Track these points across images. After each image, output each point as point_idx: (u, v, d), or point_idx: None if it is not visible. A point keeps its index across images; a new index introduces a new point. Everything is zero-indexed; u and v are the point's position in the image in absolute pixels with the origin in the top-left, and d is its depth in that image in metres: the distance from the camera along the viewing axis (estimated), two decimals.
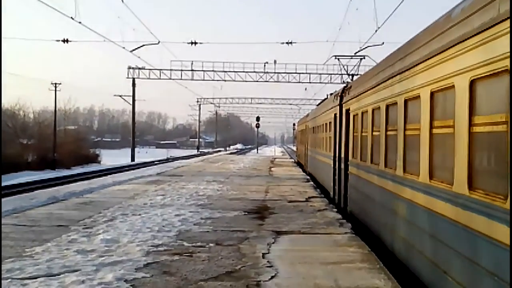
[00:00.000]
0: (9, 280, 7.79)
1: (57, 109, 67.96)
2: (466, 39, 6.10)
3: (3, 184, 33.64)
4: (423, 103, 7.86)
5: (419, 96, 8.09)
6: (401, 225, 9.19)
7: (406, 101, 9.01)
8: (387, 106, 10.47)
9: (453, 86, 6.55)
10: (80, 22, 30.87)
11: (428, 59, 7.63)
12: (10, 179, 40.18)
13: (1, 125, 48.33)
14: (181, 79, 66.90)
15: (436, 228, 7.18)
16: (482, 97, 5.83)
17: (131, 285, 7.69)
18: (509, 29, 4.96)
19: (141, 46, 51.11)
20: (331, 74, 63.27)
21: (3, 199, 21.53)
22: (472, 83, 5.97)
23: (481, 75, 5.71)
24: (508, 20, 4.98)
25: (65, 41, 46.83)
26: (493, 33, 5.37)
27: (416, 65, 8.27)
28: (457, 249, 6.33)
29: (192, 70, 65.61)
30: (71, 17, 30.16)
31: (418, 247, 8.03)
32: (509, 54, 4.94)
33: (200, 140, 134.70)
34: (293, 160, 59.07)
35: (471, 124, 6.00)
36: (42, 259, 9.02)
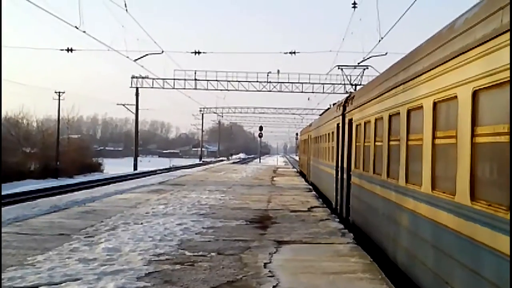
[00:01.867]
0: None
1: (60, 117, 68.05)
2: (468, 50, 6.11)
3: (5, 192, 33.68)
4: (426, 113, 7.86)
5: (422, 106, 8.09)
6: (403, 235, 9.16)
7: (409, 111, 9.01)
8: (390, 116, 10.47)
9: (455, 97, 6.56)
10: (84, 32, 30.95)
11: (431, 69, 7.63)
12: (13, 188, 40.18)
13: (1, 133, 48.28)
14: (184, 88, 67.24)
15: (438, 239, 7.16)
16: (485, 107, 5.83)
17: None
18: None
19: (145, 56, 51.34)
20: (334, 84, 63.49)
21: (5, 208, 21.57)
22: (475, 94, 5.97)
23: (484, 86, 5.71)
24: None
25: (69, 50, 47.08)
26: (495, 44, 5.37)
27: (419, 75, 8.28)
28: (459, 260, 6.31)
29: (195, 79, 65.90)
30: (76, 27, 30.25)
31: (421, 257, 8.01)
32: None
33: (203, 149, 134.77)
34: (295, 169, 59.03)
35: (473, 135, 5.99)
36: (43, 268, 9.00)
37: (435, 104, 7.52)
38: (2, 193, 32.87)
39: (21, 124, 74.61)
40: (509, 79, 5.04)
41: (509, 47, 5.00)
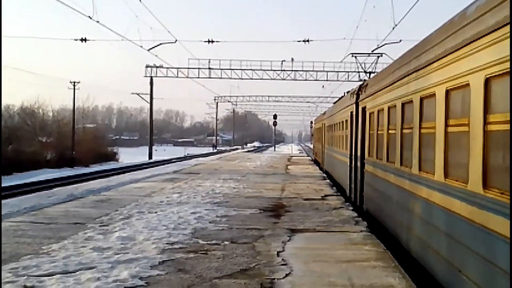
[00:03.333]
0: (26, 277, 7.87)
1: (75, 107, 68.52)
2: (481, 37, 6.05)
3: (22, 181, 34.03)
4: (439, 101, 7.82)
5: (434, 94, 8.04)
6: (416, 223, 9.14)
7: (421, 99, 8.96)
8: (403, 104, 10.42)
9: (468, 84, 6.51)
10: (98, 22, 31.09)
11: (444, 57, 7.58)
12: (29, 177, 40.62)
13: (1, 124, 48.57)
14: (198, 77, 67.30)
15: (451, 227, 7.14)
16: (497, 95, 5.78)
17: (146, 283, 7.74)
18: None
19: (159, 45, 51.41)
20: (348, 72, 63.22)
21: (22, 197, 21.78)
22: (487, 81, 5.93)
23: (496, 73, 5.67)
24: None
25: (84, 40, 47.22)
26: (507, 31, 5.32)
27: (432, 63, 8.22)
28: (473, 248, 6.29)
29: (209, 68, 65.95)
30: (89, 17, 30.37)
31: (434, 245, 7.99)
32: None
33: (218, 138, 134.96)
34: (310, 158, 59.00)
35: (486, 122, 5.95)
36: (58, 256, 9.10)
37: (447, 92, 7.47)
38: (18, 182, 33.29)
39: (37, 114, 75.31)
40: None
41: None
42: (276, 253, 9.68)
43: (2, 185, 30.81)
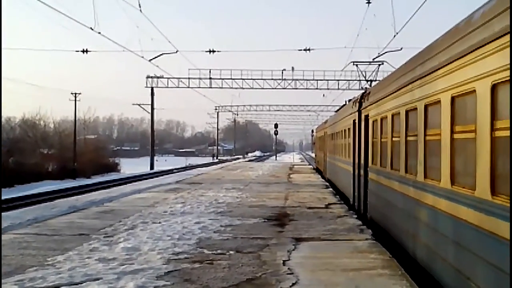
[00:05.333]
0: None
1: (77, 118, 68.57)
2: (487, 43, 6.05)
3: (24, 193, 34.01)
4: (444, 108, 7.81)
5: (439, 101, 8.04)
6: (422, 231, 9.11)
7: (426, 106, 8.95)
8: (407, 112, 10.41)
9: (474, 91, 6.50)
10: (99, 33, 31.13)
11: (449, 63, 7.57)
12: (31, 189, 40.58)
13: (1, 135, 48.56)
14: (199, 87, 67.37)
15: (459, 234, 7.11)
16: (504, 101, 5.77)
17: None
18: None
19: (160, 55, 51.52)
20: (349, 80, 63.42)
21: (24, 209, 21.77)
22: (494, 88, 5.92)
23: (503, 80, 5.66)
24: None
25: (85, 51, 47.25)
26: None
27: (437, 70, 8.22)
28: (481, 255, 6.26)
29: (210, 78, 66.01)
30: (91, 28, 30.42)
31: (441, 253, 7.95)
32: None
33: (219, 147, 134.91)
34: (311, 166, 58.94)
35: (493, 129, 5.94)
36: (64, 268, 9.07)
37: (453, 98, 7.46)
38: (20, 194, 33.26)
39: (39, 126, 75.32)
40: None
41: None
42: (282, 262, 9.64)
43: (4, 197, 30.83)
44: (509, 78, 5.49)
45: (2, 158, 46.75)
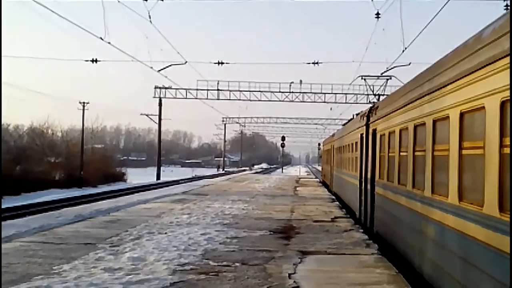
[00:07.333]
0: None
1: (84, 127, 68.84)
2: (497, 60, 6.06)
3: (30, 202, 34.09)
4: (452, 123, 7.81)
5: (448, 116, 8.04)
6: (429, 246, 9.07)
7: (434, 122, 8.95)
8: (415, 127, 10.41)
9: (483, 107, 6.50)
10: (109, 43, 31.22)
11: (458, 79, 7.58)
12: (38, 197, 40.66)
13: (0, 143, 48.65)
14: (207, 98, 67.40)
15: (466, 250, 7.08)
16: None
17: None
18: None
19: (168, 66, 51.58)
20: (357, 94, 63.29)
21: (30, 217, 21.76)
22: (503, 104, 5.92)
23: None
24: None
25: (94, 61, 47.41)
26: None
27: (446, 85, 8.23)
28: (488, 272, 6.23)
29: (218, 89, 66.07)
30: (101, 38, 30.54)
31: (448, 269, 7.92)
32: None
33: (225, 159, 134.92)
34: (318, 180, 58.85)
35: (502, 145, 5.94)
36: (70, 277, 9.08)
37: (462, 114, 7.46)
38: (27, 202, 33.34)
39: (46, 134, 75.48)
40: None
41: None
42: (287, 275, 9.62)
43: (11, 205, 30.91)
44: None
45: (9, 166, 47.00)
